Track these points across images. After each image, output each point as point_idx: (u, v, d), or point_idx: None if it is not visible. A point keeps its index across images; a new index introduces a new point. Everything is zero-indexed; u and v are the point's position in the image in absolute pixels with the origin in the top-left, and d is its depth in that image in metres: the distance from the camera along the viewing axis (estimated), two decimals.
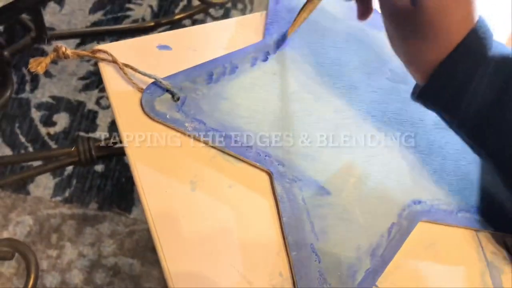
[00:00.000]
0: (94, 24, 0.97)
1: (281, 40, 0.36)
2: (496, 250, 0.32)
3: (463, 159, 0.34)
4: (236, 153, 0.32)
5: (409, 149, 0.34)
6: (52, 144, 0.83)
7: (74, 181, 0.80)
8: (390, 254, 0.30)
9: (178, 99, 0.32)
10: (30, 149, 0.82)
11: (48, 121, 0.84)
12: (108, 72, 0.33)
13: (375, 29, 0.38)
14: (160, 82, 0.32)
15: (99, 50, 0.33)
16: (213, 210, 0.31)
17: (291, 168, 0.32)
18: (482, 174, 0.34)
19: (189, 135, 0.32)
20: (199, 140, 0.32)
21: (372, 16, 0.37)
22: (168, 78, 0.33)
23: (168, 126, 0.32)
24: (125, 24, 0.94)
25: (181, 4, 0.97)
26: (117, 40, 0.36)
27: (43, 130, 0.84)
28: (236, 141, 0.32)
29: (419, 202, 0.32)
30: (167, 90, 0.32)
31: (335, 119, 0.34)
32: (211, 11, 0.98)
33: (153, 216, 0.30)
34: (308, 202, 0.31)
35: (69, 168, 0.80)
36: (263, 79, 0.34)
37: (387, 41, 0.37)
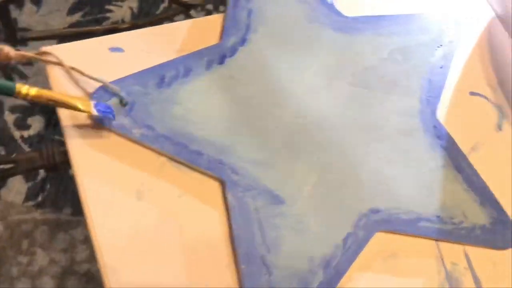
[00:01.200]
0: (72, 25, 0.96)
1: (239, 43, 0.35)
2: (456, 261, 0.31)
3: (425, 166, 0.33)
4: (186, 160, 0.30)
5: (369, 155, 0.33)
6: (26, 148, 0.81)
7: (48, 186, 0.78)
8: (345, 266, 0.29)
9: (126, 104, 0.31)
10: (3, 152, 0.81)
11: (22, 124, 0.82)
12: (55, 76, 0.32)
13: (337, 31, 0.37)
14: (107, 86, 0.31)
15: (46, 52, 0.32)
16: (159, 221, 0.29)
17: (245, 177, 0.30)
18: (444, 181, 0.33)
19: (137, 142, 0.31)
20: (148, 147, 0.31)
21: (334, 18, 0.36)
22: (117, 82, 0.32)
23: (115, 133, 0.31)
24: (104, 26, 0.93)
25: (162, 6, 0.96)
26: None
27: (16, 133, 0.82)
28: (187, 148, 0.31)
29: (377, 211, 0.31)
30: (115, 95, 0.31)
31: (293, 125, 0.33)
32: (192, 13, 0.96)
33: (95, 228, 0.28)
34: (261, 212, 0.30)
35: (43, 172, 0.79)
36: (219, 83, 0.33)
37: (349, 44, 0.36)
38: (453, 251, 0.31)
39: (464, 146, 0.35)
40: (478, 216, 0.32)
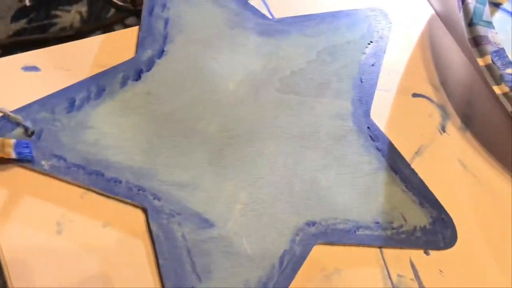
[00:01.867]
0: (17, 33, 0.90)
1: (156, 55, 0.32)
2: (402, 273, 0.30)
3: (360, 171, 0.32)
4: (103, 190, 0.28)
5: (301, 165, 0.31)
6: None
7: None
8: (283, 286, 0.28)
9: (32, 133, 0.28)
10: None
11: None
12: None
13: (262, 35, 0.35)
14: (9, 115, 0.28)
15: None
16: (80, 255, 0.27)
17: (168, 201, 0.28)
18: (381, 185, 0.32)
19: (48, 175, 0.28)
20: (60, 179, 0.28)
21: (258, 22, 0.34)
22: (21, 109, 0.29)
23: (22, 167, 0.28)
24: (51, 33, 0.88)
25: (112, 10, 0.91)
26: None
27: None
28: (103, 176, 0.28)
29: (313, 223, 0.30)
30: (19, 124, 0.28)
31: (219, 139, 0.31)
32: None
33: (9, 268, 0.26)
34: (189, 239, 0.28)
35: None
36: (135, 100, 0.31)
37: (275, 48, 0.34)
38: (398, 260, 0.30)
39: (408, 150, 0.34)
40: (418, 217, 0.31)
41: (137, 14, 0.37)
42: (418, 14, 0.40)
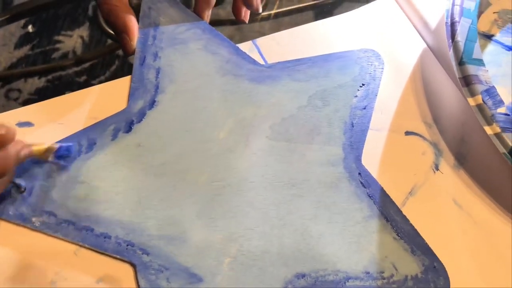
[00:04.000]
0: (20, 60, 0.92)
1: (148, 106, 0.33)
2: None
3: (351, 219, 0.32)
4: (93, 246, 0.28)
5: (292, 214, 0.31)
6: None
7: None
8: None
9: (24, 190, 0.29)
10: None
11: None
12: None
13: (253, 82, 0.35)
14: None
15: None
16: None
17: (157, 256, 0.28)
18: (372, 234, 0.32)
19: (39, 232, 0.28)
20: (51, 236, 0.28)
21: (249, 68, 0.34)
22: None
23: (14, 224, 0.28)
24: (53, 59, 0.89)
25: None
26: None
27: None
28: (93, 232, 0.28)
29: (303, 275, 0.30)
30: (11, 182, 0.29)
31: (209, 190, 0.31)
32: None
33: None
34: None
35: None
36: (126, 153, 0.31)
37: (266, 95, 0.35)
38: None
39: (401, 191, 0.34)
40: (410, 266, 0.31)
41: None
42: (410, 49, 0.40)
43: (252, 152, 0.33)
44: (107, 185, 0.30)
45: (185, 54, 0.35)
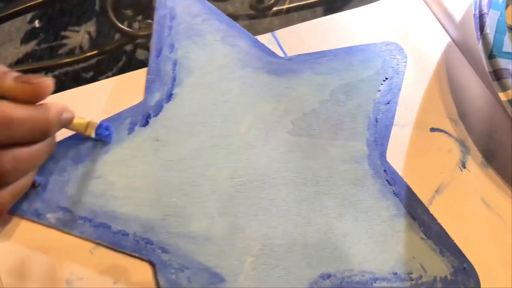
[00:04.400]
0: (27, 55, 0.91)
1: (165, 99, 0.31)
2: None
3: (377, 218, 0.30)
4: (110, 243, 0.27)
5: (315, 212, 0.30)
6: None
7: None
8: None
9: (39, 185, 0.28)
10: None
11: None
12: None
13: (273, 75, 0.34)
14: None
15: None
16: None
17: (177, 255, 0.27)
18: (399, 233, 0.30)
19: (54, 228, 0.27)
20: (67, 233, 0.27)
21: (268, 60, 0.33)
22: None
23: (29, 220, 0.27)
24: (60, 54, 0.88)
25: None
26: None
27: None
28: (110, 229, 0.27)
29: (328, 276, 0.28)
30: None
31: (229, 187, 0.30)
32: None
33: None
34: None
35: None
36: (144, 147, 0.30)
37: (286, 88, 0.33)
38: None
39: (427, 190, 0.32)
40: (438, 267, 0.30)
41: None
42: (434, 43, 0.38)
43: (273, 148, 0.31)
44: (124, 180, 0.29)
45: (202, 46, 0.34)
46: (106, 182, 0.28)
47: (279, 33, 0.36)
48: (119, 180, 0.28)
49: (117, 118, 0.30)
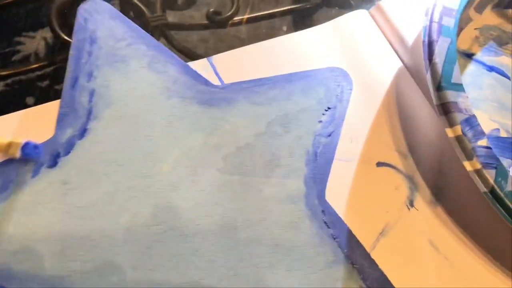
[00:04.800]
0: None
1: (78, 135, 0.28)
2: None
3: (313, 266, 0.28)
4: None
5: (244, 261, 0.27)
6: None
7: None
8: None
9: None
10: None
11: None
12: None
13: (204, 105, 0.31)
14: None
15: None
16: None
17: None
18: (336, 281, 0.28)
19: None
20: None
21: (200, 89, 0.30)
22: None
23: None
24: (14, 62, 0.83)
25: None
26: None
27: None
28: None
29: None
30: None
31: (146, 236, 0.27)
32: None
33: None
34: None
35: None
36: (49, 192, 0.26)
37: (219, 120, 0.30)
38: None
39: (370, 232, 0.30)
40: None
41: None
42: (385, 68, 0.36)
43: (200, 189, 0.28)
44: (24, 231, 0.25)
45: (125, 74, 0.30)
46: (2, 235, 0.25)
47: (216, 58, 0.33)
48: (18, 232, 0.25)
49: (18, 159, 0.27)
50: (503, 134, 0.34)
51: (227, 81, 0.33)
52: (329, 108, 0.33)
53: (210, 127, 0.30)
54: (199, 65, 0.33)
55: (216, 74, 0.33)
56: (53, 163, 0.27)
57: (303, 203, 0.29)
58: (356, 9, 0.38)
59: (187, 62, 0.33)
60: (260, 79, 0.33)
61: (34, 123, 0.28)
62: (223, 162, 0.29)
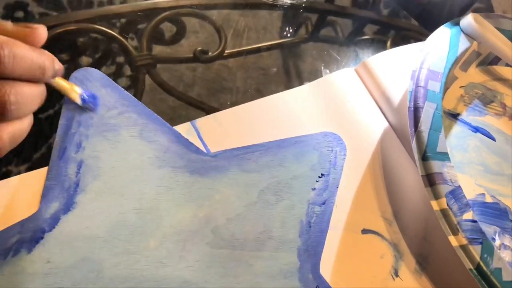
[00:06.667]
0: None
1: (63, 209, 0.27)
2: None
3: None
4: None
5: None
6: None
7: None
8: None
9: None
10: None
11: None
12: None
13: (194, 174, 0.30)
14: None
15: None
16: None
17: None
18: None
19: None
20: None
21: (191, 158, 0.30)
22: None
23: None
24: None
25: None
26: None
27: None
28: None
29: None
30: None
31: None
32: None
33: None
34: None
35: None
36: (30, 273, 0.25)
37: (209, 190, 0.30)
38: None
39: None
40: None
41: None
42: (370, 129, 0.35)
43: (189, 265, 0.27)
44: None
45: (115, 143, 0.30)
46: None
47: (200, 122, 0.33)
48: None
49: (0, 236, 0.26)
50: (488, 199, 0.34)
51: (211, 146, 0.32)
52: (322, 174, 0.32)
53: (200, 198, 0.29)
54: (183, 129, 0.32)
55: (200, 139, 0.32)
56: (36, 241, 0.26)
57: (297, 278, 0.28)
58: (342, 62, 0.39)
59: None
60: (252, 146, 0.32)
61: (19, 195, 0.28)
62: (213, 235, 0.28)
